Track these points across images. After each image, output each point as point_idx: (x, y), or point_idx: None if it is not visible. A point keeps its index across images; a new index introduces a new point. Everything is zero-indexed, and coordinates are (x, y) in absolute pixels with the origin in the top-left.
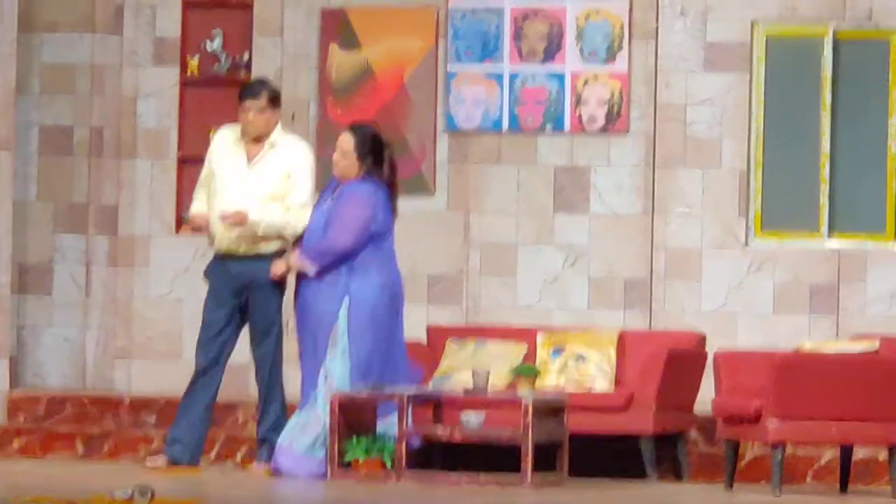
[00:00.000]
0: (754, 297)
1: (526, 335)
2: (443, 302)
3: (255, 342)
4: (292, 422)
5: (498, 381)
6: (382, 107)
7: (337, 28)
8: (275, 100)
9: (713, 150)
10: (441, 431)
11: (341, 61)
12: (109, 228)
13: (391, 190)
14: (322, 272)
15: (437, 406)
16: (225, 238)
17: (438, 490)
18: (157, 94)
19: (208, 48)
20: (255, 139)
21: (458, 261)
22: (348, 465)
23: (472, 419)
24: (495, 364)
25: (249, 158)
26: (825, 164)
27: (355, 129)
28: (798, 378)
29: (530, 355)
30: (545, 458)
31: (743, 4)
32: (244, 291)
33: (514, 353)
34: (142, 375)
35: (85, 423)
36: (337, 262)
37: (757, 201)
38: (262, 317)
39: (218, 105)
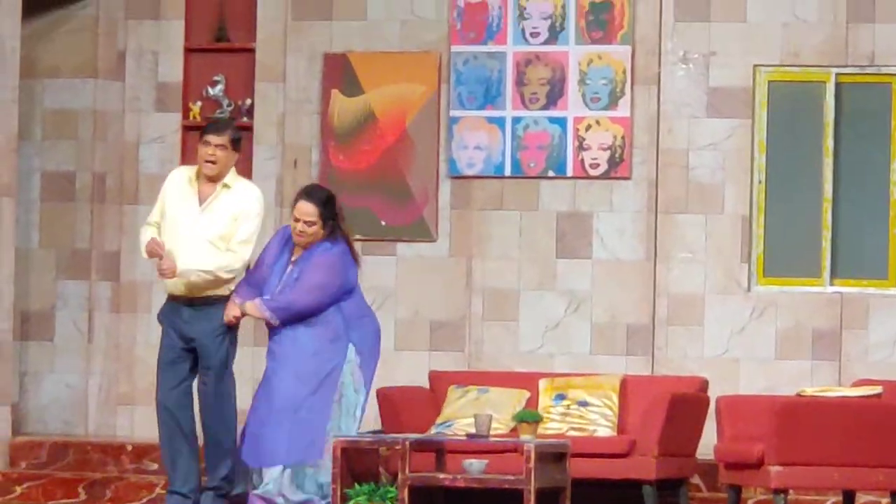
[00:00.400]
0: (757, 342)
1: (528, 381)
2: (445, 348)
3: (206, 384)
4: (275, 475)
5: (500, 426)
6: (385, 152)
7: (339, 73)
8: (237, 141)
9: (716, 195)
10: (443, 477)
11: (343, 106)
12: (112, 274)
13: (350, 244)
14: (309, 326)
15: (440, 452)
16: (170, 282)
17: None
18: (159, 140)
19: (210, 94)
20: (211, 178)
21: (461, 306)
22: None
23: (475, 465)
24: (498, 410)
25: (202, 200)
26: (827, 209)
27: (311, 194)
28: (800, 423)
29: (533, 401)
30: None
31: (745, 49)
32: (194, 335)
33: (516, 398)
34: (144, 421)
35: (87, 469)
36: (296, 319)
37: (759, 247)
38: (215, 360)
39: None
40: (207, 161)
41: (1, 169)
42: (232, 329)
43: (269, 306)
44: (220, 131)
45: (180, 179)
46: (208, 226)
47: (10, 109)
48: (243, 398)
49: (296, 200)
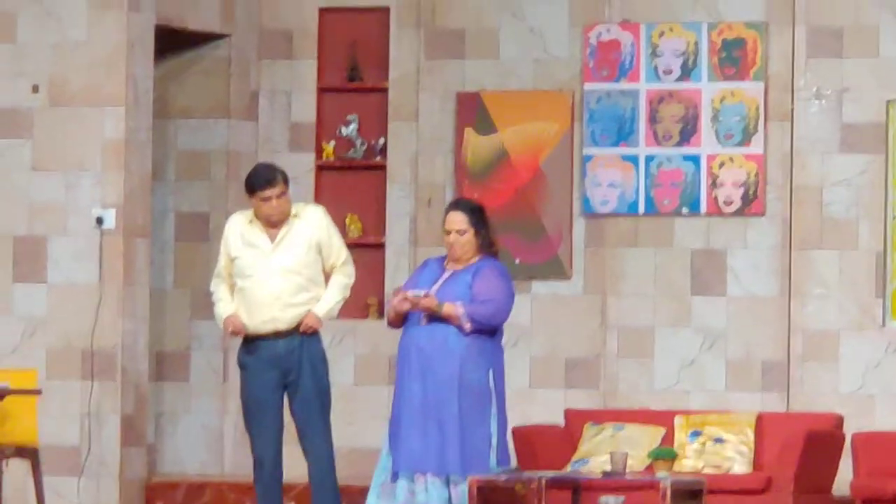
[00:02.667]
0: (892, 378)
1: (664, 418)
2: (580, 385)
3: (309, 428)
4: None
5: (636, 464)
6: (518, 190)
7: (472, 112)
8: (286, 178)
9: (849, 231)
10: None
11: (477, 145)
12: None
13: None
14: (468, 335)
15: (576, 489)
16: (258, 320)
17: None
18: (292, 180)
19: (343, 133)
20: (277, 223)
21: (596, 344)
22: None
23: (611, 502)
24: (633, 447)
25: (272, 237)
26: None
27: (458, 203)
28: None
29: (668, 438)
30: None
31: (879, 85)
32: (291, 370)
33: (651, 436)
34: None
35: None
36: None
37: (894, 282)
38: (317, 393)
39: (354, 190)
40: (272, 214)
41: (135, 209)
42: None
43: (469, 313)
44: (273, 182)
45: (240, 224)
46: (286, 258)
47: (144, 150)
48: None
49: (445, 213)
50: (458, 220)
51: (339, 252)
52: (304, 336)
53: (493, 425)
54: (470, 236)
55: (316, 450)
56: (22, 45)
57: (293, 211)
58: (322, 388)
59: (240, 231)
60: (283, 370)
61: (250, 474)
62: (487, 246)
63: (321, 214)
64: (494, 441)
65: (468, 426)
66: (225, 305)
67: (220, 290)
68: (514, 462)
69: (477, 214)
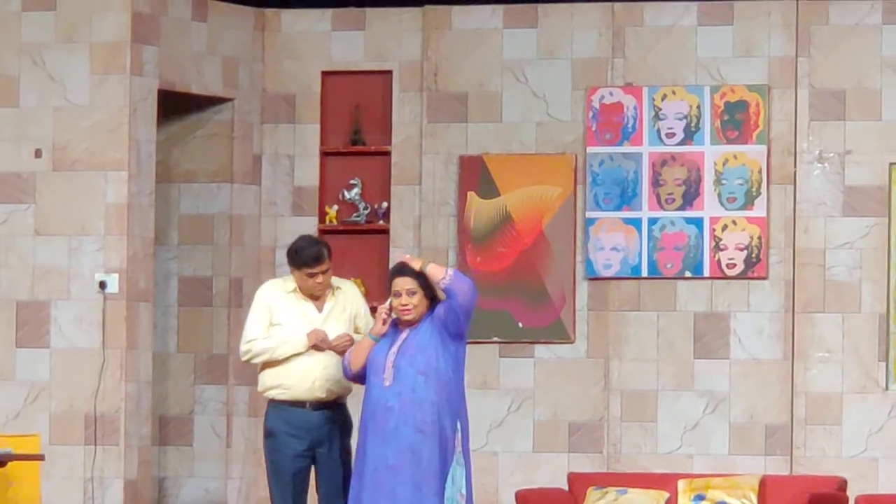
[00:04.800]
0: (895, 441)
1: (667, 482)
2: (583, 449)
3: (332, 489)
4: None
5: None
6: (521, 253)
7: (475, 175)
8: (330, 252)
9: (852, 294)
10: None
11: (480, 208)
12: (249, 379)
13: None
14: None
15: None
16: (301, 388)
17: None
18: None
19: (346, 197)
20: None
21: (599, 408)
22: None
23: None
24: None
25: (319, 308)
26: None
27: (401, 270)
28: None
29: (672, 502)
30: None
31: (880, 148)
32: (322, 442)
33: (655, 500)
34: None
35: None
36: (462, 294)
37: None
38: (343, 463)
39: (357, 254)
40: (316, 289)
41: (138, 274)
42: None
43: (449, 268)
44: (320, 261)
45: (281, 292)
46: (334, 329)
47: (146, 214)
48: None
49: (390, 281)
50: (406, 282)
51: (366, 323)
52: (335, 408)
53: (462, 477)
54: (420, 296)
55: None
56: (24, 109)
57: (335, 284)
58: (347, 460)
59: (282, 299)
60: (313, 440)
61: None
62: (432, 301)
63: (356, 289)
64: (465, 491)
65: (437, 476)
66: (290, 336)
67: (265, 341)
68: None
69: (423, 275)
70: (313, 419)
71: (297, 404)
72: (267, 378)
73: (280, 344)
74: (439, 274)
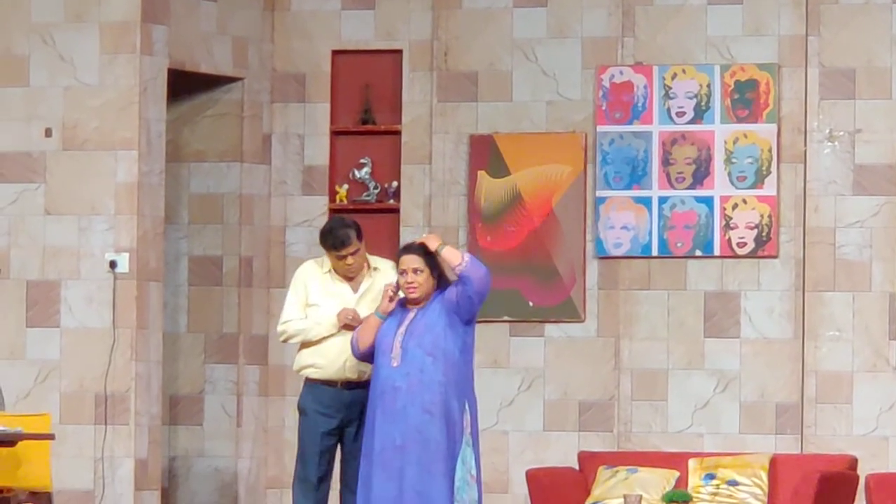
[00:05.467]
0: None
1: (677, 461)
2: (594, 428)
3: (356, 469)
4: None
5: None
6: (531, 232)
7: (485, 155)
8: (360, 233)
9: (863, 272)
10: None
11: (490, 187)
12: (259, 358)
13: None
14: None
15: None
16: (334, 368)
17: None
18: (305, 224)
19: (357, 176)
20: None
21: (609, 387)
22: None
23: None
24: (647, 490)
25: (354, 289)
26: None
27: (408, 248)
28: None
29: (682, 481)
30: None
31: (890, 126)
32: (352, 421)
33: (665, 478)
34: None
35: None
36: (477, 281)
37: None
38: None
39: (367, 233)
40: (349, 271)
41: (148, 254)
42: None
43: (465, 253)
44: (346, 244)
45: (318, 272)
46: (368, 310)
47: (157, 194)
48: None
49: (397, 259)
50: (413, 260)
51: None
52: (366, 388)
53: (472, 458)
54: (427, 275)
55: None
56: (34, 88)
57: (373, 264)
58: None
59: (318, 280)
60: (343, 420)
61: None
62: (444, 283)
63: (394, 269)
64: (474, 472)
65: (447, 457)
66: (322, 317)
67: (299, 322)
68: None
69: (430, 254)
70: (344, 398)
71: (329, 384)
72: (302, 357)
73: (313, 326)
74: (455, 259)
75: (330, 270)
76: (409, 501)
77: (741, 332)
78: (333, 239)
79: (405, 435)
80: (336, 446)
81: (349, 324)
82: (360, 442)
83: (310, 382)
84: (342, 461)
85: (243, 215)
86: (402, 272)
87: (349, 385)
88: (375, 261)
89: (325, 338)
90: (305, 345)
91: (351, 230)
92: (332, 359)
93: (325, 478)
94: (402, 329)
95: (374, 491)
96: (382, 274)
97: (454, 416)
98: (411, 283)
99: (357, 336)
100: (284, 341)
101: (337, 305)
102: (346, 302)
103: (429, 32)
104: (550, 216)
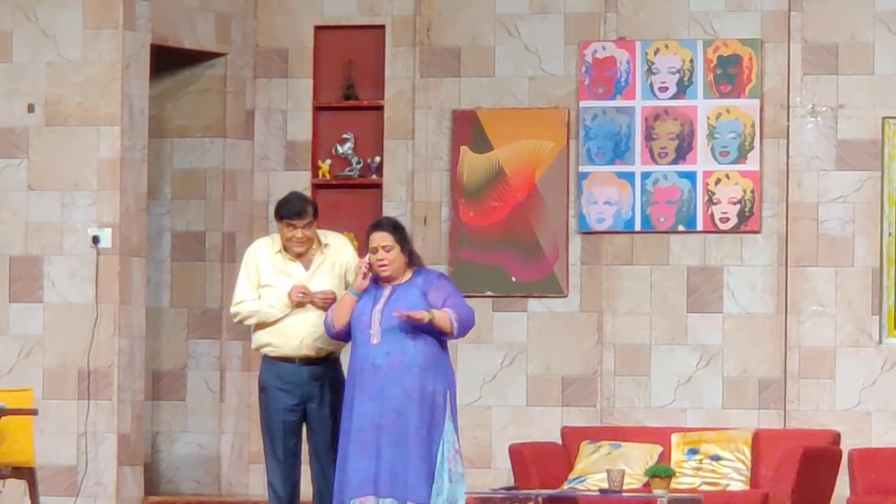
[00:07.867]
0: (888, 394)
1: (660, 436)
2: (577, 403)
3: (322, 456)
4: None
5: (633, 481)
6: (514, 208)
7: (468, 130)
8: (316, 211)
9: (845, 248)
10: None
11: (473, 163)
12: (242, 334)
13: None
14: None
15: None
16: (290, 346)
17: None
18: None
19: (339, 151)
20: (301, 253)
21: (592, 362)
22: None
23: None
24: (630, 465)
25: (306, 266)
26: None
27: (378, 224)
28: None
29: (665, 456)
30: None
31: (874, 102)
32: (312, 397)
33: (648, 453)
34: None
35: None
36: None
37: (890, 298)
38: (333, 420)
39: (350, 208)
40: (298, 244)
41: (131, 229)
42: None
43: (458, 317)
44: (302, 214)
45: (269, 252)
46: (322, 286)
47: (139, 169)
48: None
49: (367, 236)
50: (383, 237)
51: None
52: (325, 364)
53: (452, 431)
54: (396, 252)
55: (327, 476)
56: (17, 64)
57: (324, 240)
58: (337, 416)
59: (269, 259)
60: (303, 395)
61: (246, 493)
62: (416, 260)
63: (348, 243)
64: (458, 445)
65: (425, 441)
66: (273, 299)
67: (252, 303)
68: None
69: (399, 232)
70: (303, 374)
71: (287, 360)
72: (259, 337)
73: (266, 308)
74: (446, 326)
75: (280, 250)
76: (386, 481)
77: (724, 307)
78: (291, 208)
79: (384, 414)
80: (301, 422)
81: (301, 301)
82: (324, 417)
83: (268, 359)
84: (308, 436)
85: (226, 191)
86: (372, 250)
87: (307, 361)
88: (327, 236)
89: (279, 318)
90: (260, 325)
91: (309, 205)
92: (289, 337)
93: (293, 452)
94: (379, 306)
95: (350, 469)
96: (334, 249)
97: (436, 400)
98: (382, 260)
99: (332, 315)
100: (238, 322)
101: (289, 285)
102: (298, 281)
103: (411, 8)
104: (533, 191)
